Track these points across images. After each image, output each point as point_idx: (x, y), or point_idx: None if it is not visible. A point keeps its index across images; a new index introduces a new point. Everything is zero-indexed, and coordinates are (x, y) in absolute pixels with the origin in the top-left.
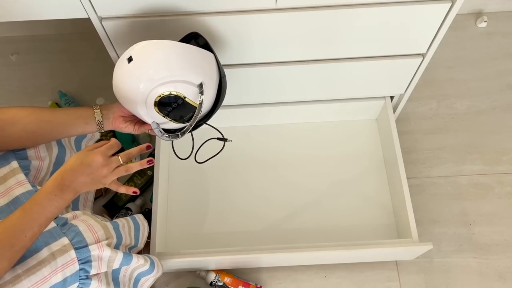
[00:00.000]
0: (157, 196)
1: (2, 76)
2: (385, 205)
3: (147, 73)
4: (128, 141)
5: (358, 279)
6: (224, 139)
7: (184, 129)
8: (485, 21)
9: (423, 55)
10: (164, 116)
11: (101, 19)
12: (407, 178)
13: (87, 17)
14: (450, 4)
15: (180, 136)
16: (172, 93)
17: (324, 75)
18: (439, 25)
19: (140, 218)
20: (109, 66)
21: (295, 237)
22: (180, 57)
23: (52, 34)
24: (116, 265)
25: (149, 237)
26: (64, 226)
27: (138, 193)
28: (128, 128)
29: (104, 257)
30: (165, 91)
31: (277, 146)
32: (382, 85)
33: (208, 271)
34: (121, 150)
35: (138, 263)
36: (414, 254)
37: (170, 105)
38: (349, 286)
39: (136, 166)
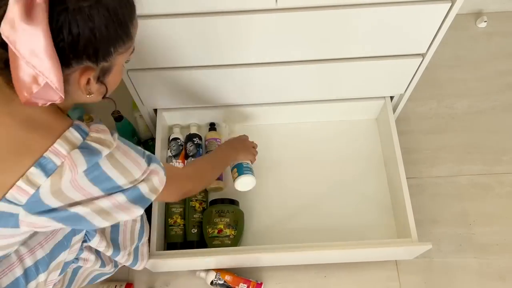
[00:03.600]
0: None
1: None
2: (385, 205)
3: None
4: (128, 134)
5: (358, 279)
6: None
7: None
8: (485, 21)
9: (423, 55)
10: None
11: None
12: (407, 178)
13: None
14: (450, 4)
15: None
16: None
17: (324, 75)
18: (439, 25)
19: None
20: None
21: (295, 237)
22: None
23: None
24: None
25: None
26: None
27: None
28: None
29: None
30: None
31: (276, 146)
32: (382, 85)
33: (208, 270)
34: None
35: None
36: (413, 253)
37: None
38: (349, 286)
39: None
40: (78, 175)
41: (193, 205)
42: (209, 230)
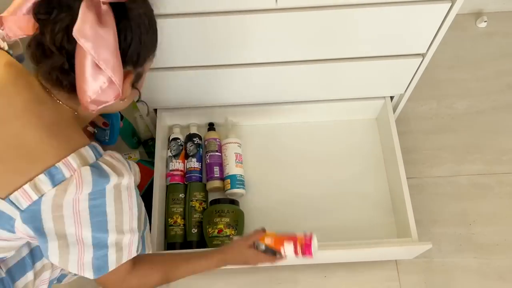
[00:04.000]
0: (157, 194)
1: None
2: (385, 205)
3: None
4: (128, 135)
5: (358, 279)
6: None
7: None
8: (485, 21)
9: (423, 55)
10: None
11: None
12: (407, 178)
13: None
14: (450, 4)
15: None
16: None
17: (324, 75)
18: (439, 25)
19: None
20: None
21: None
22: None
23: None
24: None
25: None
26: None
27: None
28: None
29: None
30: None
31: (276, 146)
32: (382, 85)
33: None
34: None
35: None
36: (413, 253)
37: None
38: (349, 286)
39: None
40: (82, 195)
41: (193, 205)
42: (209, 230)
